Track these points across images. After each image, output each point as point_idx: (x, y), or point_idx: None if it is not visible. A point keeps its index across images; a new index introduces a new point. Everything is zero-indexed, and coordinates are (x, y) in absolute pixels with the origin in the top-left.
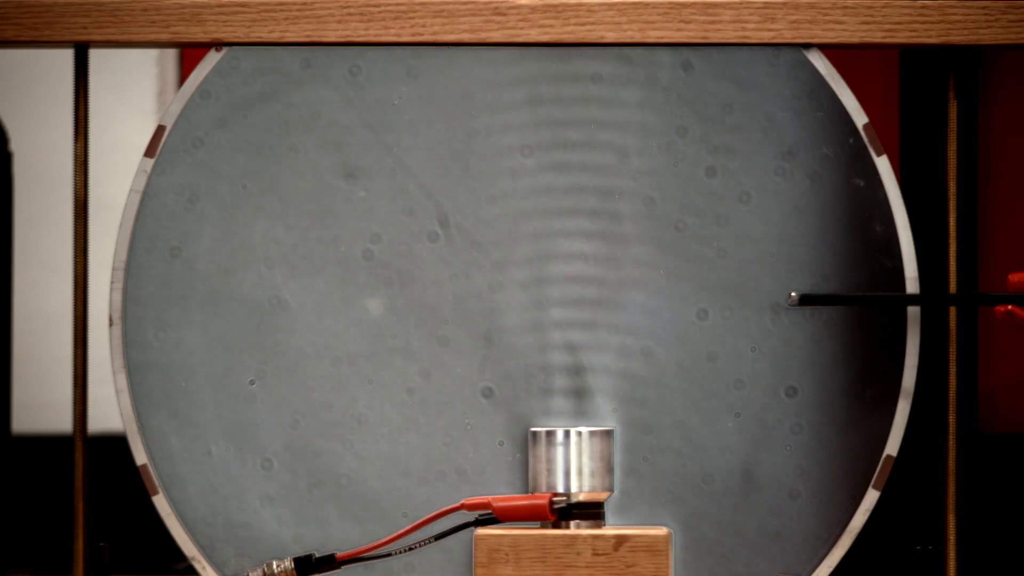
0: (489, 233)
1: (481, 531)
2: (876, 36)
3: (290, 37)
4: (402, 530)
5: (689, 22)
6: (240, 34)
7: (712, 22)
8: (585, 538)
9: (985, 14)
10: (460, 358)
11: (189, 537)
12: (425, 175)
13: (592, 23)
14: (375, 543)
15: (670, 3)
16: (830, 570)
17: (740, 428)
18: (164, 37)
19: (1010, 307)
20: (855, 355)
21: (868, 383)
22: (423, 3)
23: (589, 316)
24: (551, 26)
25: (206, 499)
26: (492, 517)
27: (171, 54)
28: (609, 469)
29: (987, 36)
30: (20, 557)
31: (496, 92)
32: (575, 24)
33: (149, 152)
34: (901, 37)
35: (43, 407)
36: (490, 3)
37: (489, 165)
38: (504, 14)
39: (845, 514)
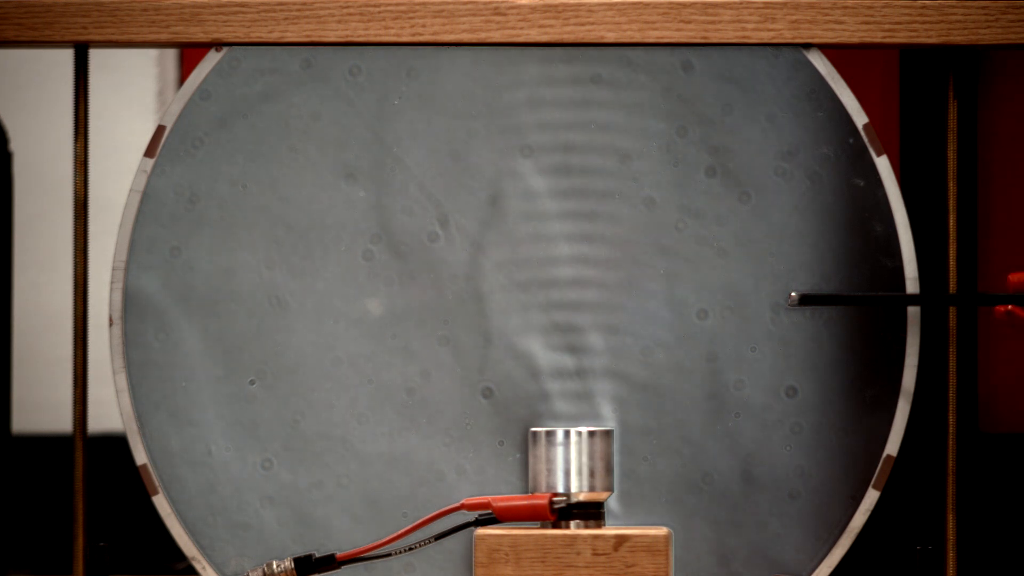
0: (489, 233)
1: (481, 531)
2: (876, 36)
3: (290, 37)
4: (402, 530)
5: (689, 22)
6: (240, 34)
7: (712, 22)
8: (585, 538)
9: (985, 14)
10: (460, 358)
11: (189, 537)
12: (425, 175)
13: (592, 23)
14: (375, 543)
15: (670, 3)
16: (830, 570)
17: (740, 428)
18: (164, 37)
19: (1010, 307)
20: (855, 355)
21: (868, 383)
22: (423, 3)
23: (589, 316)
24: (551, 26)
25: (206, 499)
26: (492, 517)
27: (171, 54)
28: (609, 469)
29: (987, 36)
30: (20, 557)
31: (496, 92)
32: (575, 24)
33: (149, 152)
34: (901, 37)
35: (43, 407)
36: (490, 3)
37: (489, 165)
38: (504, 14)
39: (845, 514)
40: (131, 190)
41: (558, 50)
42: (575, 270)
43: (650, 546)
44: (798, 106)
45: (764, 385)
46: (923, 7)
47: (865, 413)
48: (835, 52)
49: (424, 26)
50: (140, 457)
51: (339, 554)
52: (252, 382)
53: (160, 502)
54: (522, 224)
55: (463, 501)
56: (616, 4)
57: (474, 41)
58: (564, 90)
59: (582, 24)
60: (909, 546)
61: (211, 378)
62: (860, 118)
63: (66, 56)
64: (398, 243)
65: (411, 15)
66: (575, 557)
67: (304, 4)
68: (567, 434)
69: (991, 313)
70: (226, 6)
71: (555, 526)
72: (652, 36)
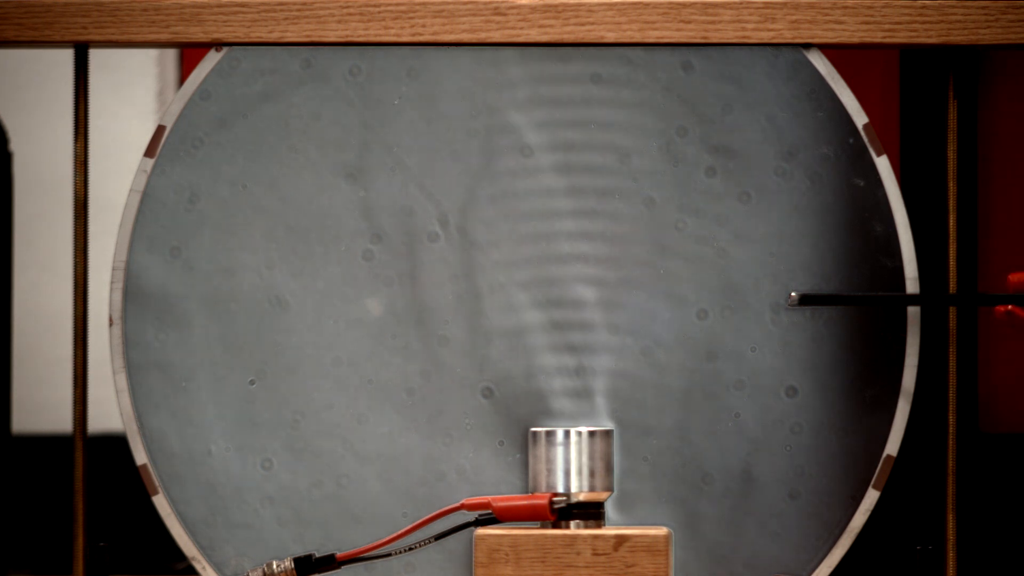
0: (489, 233)
1: (481, 531)
2: (876, 36)
3: (290, 37)
4: (402, 530)
5: (689, 22)
6: (240, 34)
7: (712, 22)
8: (585, 538)
9: (985, 14)
10: (460, 358)
11: (189, 537)
12: (425, 175)
13: (592, 23)
14: (375, 543)
15: (670, 3)
16: (830, 570)
17: (740, 428)
18: (164, 37)
19: (1010, 307)
20: (855, 355)
21: (868, 383)
22: (423, 3)
23: (589, 316)
24: (551, 26)
25: (206, 499)
26: (492, 517)
27: (171, 54)
28: (609, 469)
29: (987, 36)
30: (20, 557)
31: (496, 92)
32: (575, 24)
33: (149, 152)
34: (901, 37)
35: (43, 407)
36: (490, 3)
37: (489, 165)
38: (504, 14)
39: (845, 514)
40: (131, 190)
41: (558, 50)
42: (575, 270)
43: (650, 546)
44: (798, 106)
45: (764, 385)
46: (923, 7)
47: (865, 413)
48: (835, 52)
49: (424, 26)
50: (140, 457)
51: (339, 554)
52: (252, 382)
53: (160, 502)
54: (522, 224)
55: (463, 501)
56: (616, 4)
57: (474, 41)
58: (564, 90)
59: (582, 24)
60: (909, 546)
61: (211, 378)
62: (860, 118)
63: (66, 56)
64: (398, 243)
65: (411, 15)
66: (575, 557)
67: (304, 4)
68: (567, 434)
69: (991, 313)
70: (226, 6)
71: (555, 526)
72: (652, 36)
